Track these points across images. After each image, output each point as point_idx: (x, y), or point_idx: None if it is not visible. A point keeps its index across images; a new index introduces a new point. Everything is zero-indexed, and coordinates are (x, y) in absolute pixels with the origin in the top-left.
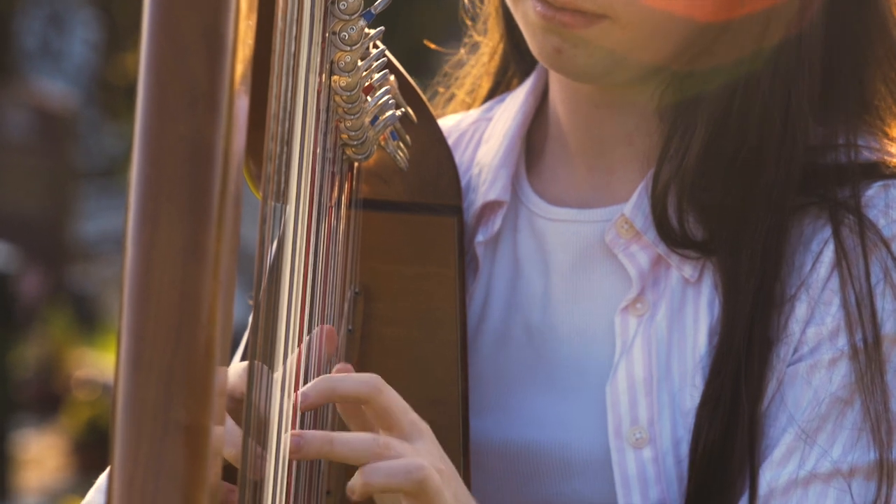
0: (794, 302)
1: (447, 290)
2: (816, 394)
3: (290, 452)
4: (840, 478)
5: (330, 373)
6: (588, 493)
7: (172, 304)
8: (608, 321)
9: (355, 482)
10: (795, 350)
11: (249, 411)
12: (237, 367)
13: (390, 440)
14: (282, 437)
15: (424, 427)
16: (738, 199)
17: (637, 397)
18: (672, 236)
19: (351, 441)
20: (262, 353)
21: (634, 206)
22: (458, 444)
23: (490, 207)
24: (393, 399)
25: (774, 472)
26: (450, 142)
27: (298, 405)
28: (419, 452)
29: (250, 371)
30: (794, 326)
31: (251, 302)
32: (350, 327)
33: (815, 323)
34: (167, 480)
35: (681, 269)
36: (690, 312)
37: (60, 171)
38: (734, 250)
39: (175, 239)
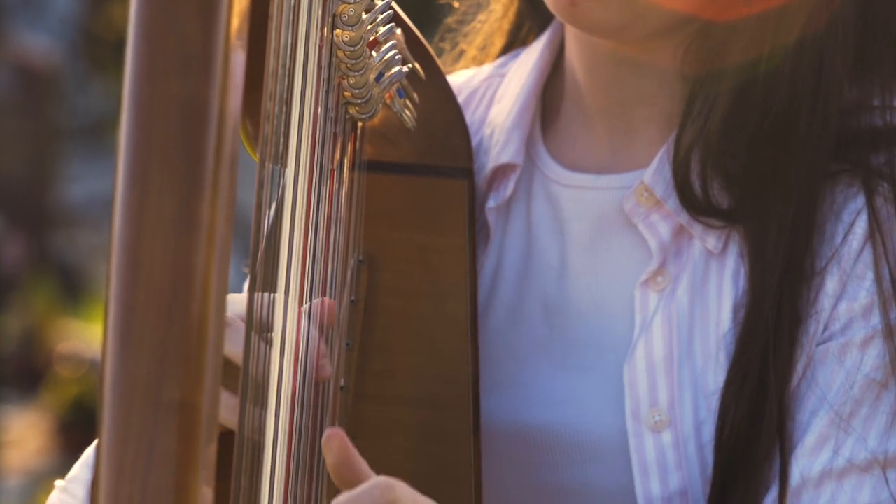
0: (824, 275)
1: (457, 259)
2: (849, 375)
3: None
4: (877, 468)
5: (330, 344)
6: (604, 479)
7: (164, 276)
8: (627, 295)
9: None
10: (826, 327)
11: (246, 381)
12: (237, 298)
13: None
14: (280, 411)
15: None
16: (766, 164)
17: (656, 378)
18: (695, 204)
19: None
20: (259, 325)
21: (655, 172)
22: (469, 425)
23: (502, 171)
24: (405, 499)
25: (807, 462)
26: (460, 100)
27: None
28: None
29: (247, 343)
30: (825, 302)
31: (247, 270)
32: (353, 298)
33: (846, 298)
34: (159, 462)
35: (704, 240)
36: (714, 286)
37: (43, 130)
38: (762, 219)
39: (167, 206)
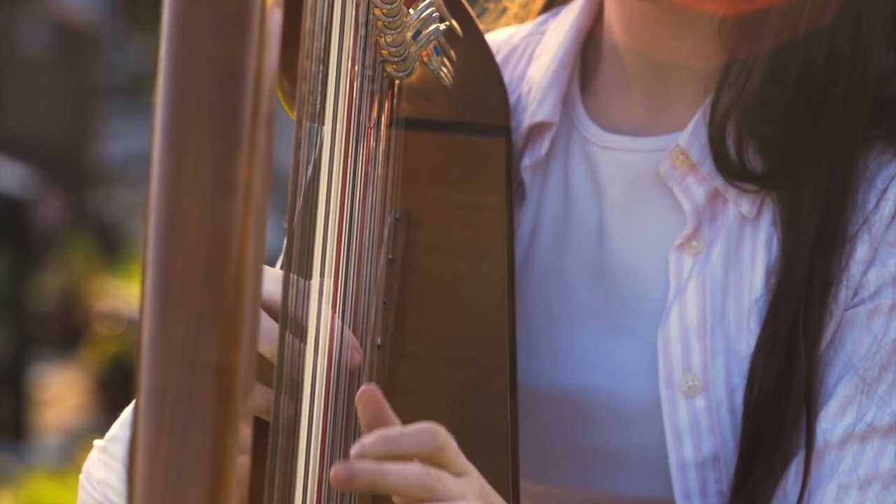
0: (855, 241)
1: (494, 217)
2: (875, 340)
3: (340, 483)
4: (875, 439)
5: (366, 306)
6: (639, 443)
7: (201, 238)
8: (662, 259)
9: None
10: (855, 293)
11: (283, 346)
12: (273, 273)
13: (441, 475)
14: (316, 383)
15: (471, 467)
16: (802, 129)
17: (690, 343)
18: (730, 168)
19: (404, 474)
20: (296, 284)
21: (691, 135)
22: (505, 385)
23: (538, 129)
24: (451, 447)
25: (830, 424)
26: (499, 57)
27: (349, 473)
28: (465, 491)
29: (284, 302)
30: (855, 268)
31: (286, 226)
32: (390, 256)
33: (877, 265)
34: (196, 424)
35: (738, 205)
36: (748, 251)
37: (82, 88)
38: (796, 184)
39: (203, 168)
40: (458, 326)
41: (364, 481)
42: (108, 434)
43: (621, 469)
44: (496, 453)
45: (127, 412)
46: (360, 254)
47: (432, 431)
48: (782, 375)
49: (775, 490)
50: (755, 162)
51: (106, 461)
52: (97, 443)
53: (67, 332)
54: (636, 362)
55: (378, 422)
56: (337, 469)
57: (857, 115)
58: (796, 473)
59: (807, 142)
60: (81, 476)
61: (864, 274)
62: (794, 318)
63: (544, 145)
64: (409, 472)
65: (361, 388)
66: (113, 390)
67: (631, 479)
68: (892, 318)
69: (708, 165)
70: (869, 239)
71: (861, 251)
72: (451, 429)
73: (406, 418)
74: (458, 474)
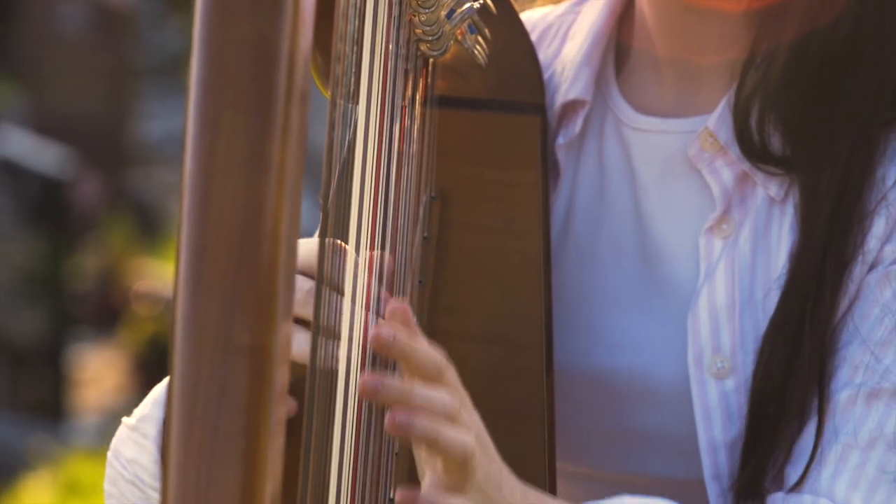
0: (873, 217)
1: (530, 195)
2: (884, 308)
3: (366, 393)
4: None
5: (402, 284)
6: (670, 425)
7: (234, 219)
8: (693, 241)
9: (411, 423)
10: (871, 268)
11: (318, 323)
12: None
13: (462, 409)
14: (352, 356)
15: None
16: (825, 112)
17: (720, 325)
18: (753, 150)
19: (429, 395)
20: (332, 261)
21: (719, 118)
22: (541, 363)
23: (571, 107)
24: (453, 376)
25: (835, 388)
26: (534, 36)
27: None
28: (471, 427)
29: (319, 273)
30: (872, 243)
31: (321, 202)
32: (426, 234)
33: (894, 240)
34: (230, 405)
35: (767, 187)
36: (775, 233)
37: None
38: (816, 167)
39: (237, 148)
40: (494, 304)
41: (391, 396)
42: (139, 413)
43: (654, 451)
44: (532, 432)
45: (157, 390)
46: (396, 232)
47: (439, 361)
48: (791, 353)
49: (786, 461)
50: (777, 144)
51: (137, 440)
52: (126, 421)
53: (106, 312)
54: (667, 344)
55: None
56: (364, 381)
57: (879, 100)
58: (806, 442)
59: (829, 125)
60: (110, 454)
61: (881, 249)
62: (803, 300)
63: (578, 123)
64: (437, 398)
65: (391, 306)
66: (151, 370)
67: (664, 460)
68: None
69: (736, 148)
70: (886, 214)
71: (878, 227)
72: (487, 406)
73: None
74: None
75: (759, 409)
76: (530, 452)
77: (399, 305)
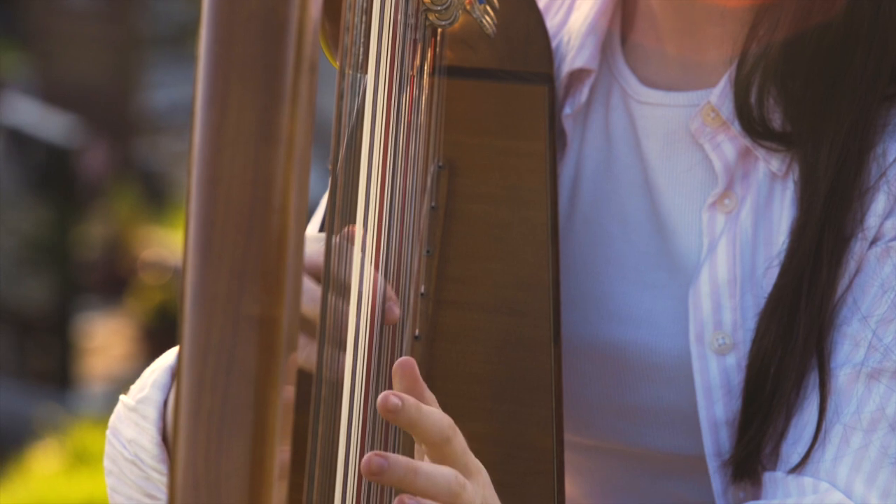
0: (873, 193)
1: (537, 165)
2: (884, 283)
3: (371, 474)
4: None
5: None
6: (674, 400)
7: (244, 191)
8: (696, 215)
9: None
10: (872, 244)
11: (327, 290)
12: (314, 236)
13: (466, 484)
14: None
15: (481, 467)
16: (823, 88)
17: (721, 300)
18: (752, 125)
19: (434, 476)
20: (340, 232)
21: (721, 93)
22: (548, 332)
23: (577, 76)
24: (460, 444)
25: (835, 366)
26: (540, 4)
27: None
28: (476, 498)
29: (327, 250)
30: (872, 220)
31: (330, 168)
32: (433, 204)
33: (894, 216)
34: (239, 376)
35: (768, 162)
36: (777, 209)
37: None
38: (816, 142)
39: (246, 120)
40: (501, 274)
41: (395, 476)
42: (138, 393)
43: (658, 426)
44: (539, 401)
45: (157, 371)
46: (404, 202)
47: (448, 424)
48: (786, 329)
49: (782, 438)
50: (777, 120)
51: (137, 421)
52: (124, 399)
53: (113, 280)
54: (672, 319)
55: (411, 394)
56: (370, 459)
57: (878, 76)
58: (805, 421)
59: (829, 101)
60: (108, 432)
61: (881, 225)
62: (801, 273)
63: (584, 93)
64: (440, 476)
65: (398, 361)
66: (158, 339)
67: (668, 435)
68: None
69: (739, 123)
70: (887, 191)
71: (879, 203)
72: (494, 375)
73: (449, 365)
74: (469, 476)
75: (754, 385)
76: (538, 422)
77: (404, 361)
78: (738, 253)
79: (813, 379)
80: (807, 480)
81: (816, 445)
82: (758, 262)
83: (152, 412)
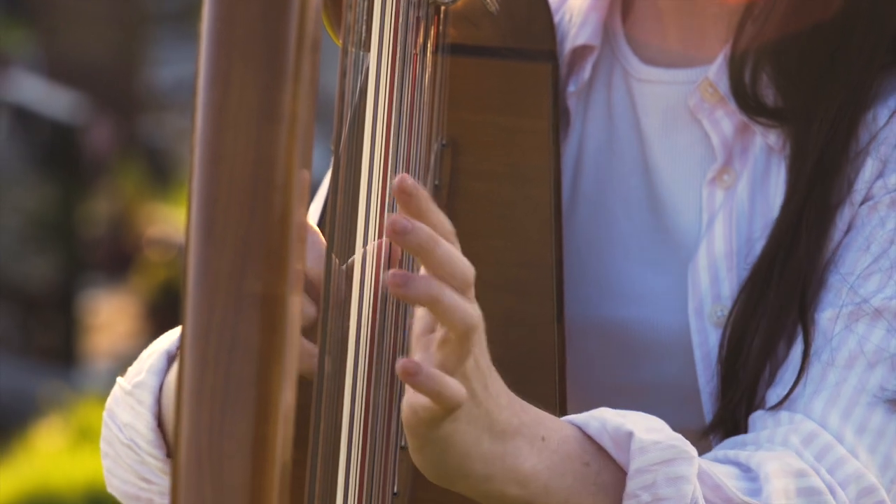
0: (863, 159)
1: (541, 143)
2: (868, 237)
3: (395, 234)
4: (889, 315)
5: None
6: (677, 376)
7: (246, 169)
8: (696, 191)
9: (414, 282)
10: (860, 206)
11: (330, 265)
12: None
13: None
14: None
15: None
16: (820, 63)
17: (719, 273)
18: (746, 101)
19: (454, 256)
20: (343, 212)
21: (719, 69)
22: (552, 311)
23: (580, 53)
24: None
25: (817, 313)
26: None
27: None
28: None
29: (331, 229)
30: (860, 185)
31: (333, 148)
32: (437, 182)
33: (884, 176)
34: (242, 353)
35: (766, 137)
36: (773, 182)
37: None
38: (808, 116)
39: (249, 99)
40: (505, 252)
41: (421, 290)
42: (134, 377)
43: (663, 403)
44: (543, 379)
45: (154, 355)
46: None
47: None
48: (765, 293)
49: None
50: (771, 97)
51: (133, 406)
52: (120, 382)
53: (117, 257)
54: (673, 295)
55: (420, 212)
56: (395, 218)
57: (875, 52)
58: (787, 368)
59: (823, 76)
60: (105, 414)
61: (870, 188)
62: (786, 239)
63: (587, 70)
64: (460, 259)
65: (399, 178)
66: (163, 316)
67: (672, 412)
68: (890, 211)
69: (734, 99)
70: (877, 156)
71: (868, 169)
72: (499, 355)
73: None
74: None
75: (733, 351)
76: (541, 400)
77: (404, 177)
78: (735, 226)
79: (796, 333)
80: (783, 414)
81: (797, 386)
82: (754, 235)
83: (148, 397)
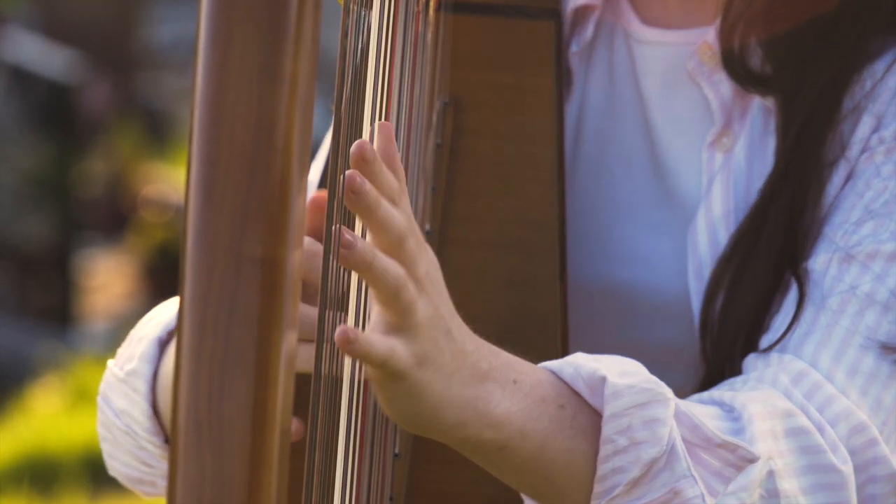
0: (859, 115)
1: (543, 101)
2: (867, 182)
3: (352, 192)
4: (882, 259)
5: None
6: (679, 340)
7: (246, 131)
8: (696, 154)
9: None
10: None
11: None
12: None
13: (410, 285)
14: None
15: (440, 287)
16: (811, 30)
17: (717, 237)
18: (735, 70)
19: (385, 262)
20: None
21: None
22: (555, 271)
23: (581, 13)
24: (414, 247)
25: (810, 260)
26: None
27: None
28: (417, 262)
29: (331, 185)
30: (856, 141)
31: (334, 109)
32: (439, 141)
33: (880, 130)
34: (241, 317)
35: (764, 98)
36: (771, 143)
37: None
38: (798, 82)
39: (249, 60)
40: (507, 211)
41: (357, 257)
42: (127, 364)
43: (665, 367)
44: (546, 339)
45: (143, 342)
46: (409, 139)
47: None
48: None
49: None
50: (759, 64)
51: (128, 393)
52: (112, 367)
53: (114, 218)
54: (673, 258)
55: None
56: (352, 174)
57: (868, 22)
58: (780, 315)
59: (815, 42)
60: (99, 398)
61: (867, 141)
62: (779, 200)
63: (589, 30)
64: (393, 268)
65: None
66: (160, 276)
67: (675, 376)
68: (886, 160)
69: (724, 68)
70: (873, 110)
71: (863, 127)
72: (501, 314)
73: (456, 303)
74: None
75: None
76: (545, 359)
77: (384, 124)
78: (732, 187)
79: (788, 288)
80: (773, 355)
81: (788, 331)
82: (752, 197)
83: (142, 385)
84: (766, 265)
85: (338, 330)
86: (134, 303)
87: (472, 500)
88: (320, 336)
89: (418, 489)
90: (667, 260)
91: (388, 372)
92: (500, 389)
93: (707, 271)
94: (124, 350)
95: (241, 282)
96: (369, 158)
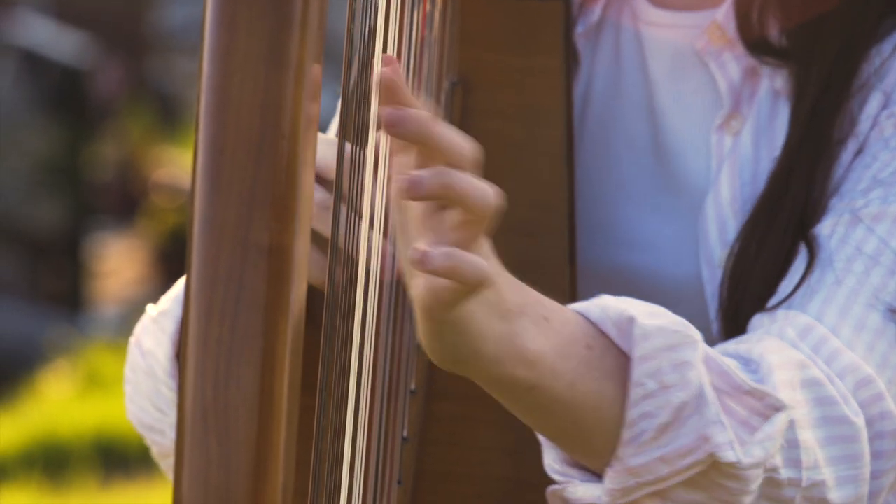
0: (868, 92)
1: (552, 82)
2: (875, 154)
3: (387, 125)
4: (889, 219)
5: None
6: None
7: (253, 116)
8: (704, 137)
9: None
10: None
11: (338, 198)
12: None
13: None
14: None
15: None
16: (826, 5)
17: (726, 222)
18: (751, 39)
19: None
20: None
21: (728, 11)
22: (564, 252)
23: None
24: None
25: (817, 227)
26: None
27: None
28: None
29: (338, 169)
30: (865, 118)
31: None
32: (447, 121)
33: (889, 106)
34: (248, 304)
35: (772, 80)
36: (780, 127)
37: None
38: (811, 56)
39: (256, 45)
40: (516, 193)
41: (434, 185)
42: (161, 305)
43: None
44: None
45: (180, 284)
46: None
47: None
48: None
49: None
50: (776, 34)
51: (156, 333)
52: (150, 308)
53: (125, 202)
54: (680, 243)
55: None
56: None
57: (878, 12)
58: (789, 281)
59: (827, 18)
60: (132, 339)
61: (876, 119)
62: (783, 192)
63: (596, 12)
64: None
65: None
66: (171, 261)
67: None
68: (894, 133)
69: (740, 39)
70: (882, 87)
71: (872, 104)
72: None
73: None
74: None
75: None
76: None
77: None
78: (739, 171)
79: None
80: (779, 312)
81: (796, 290)
82: (760, 180)
83: (170, 325)
84: (783, 241)
85: (413, 252)
86: (145, 288)
87: (481, 480)
88: (328, 323)
89: (426, 471)
90: (670, 244)
91: (463, 292)
92: (533, 326)
93: (717, 257)
94: (167, 294)
95: (248, 268)
96: (399, 88)
